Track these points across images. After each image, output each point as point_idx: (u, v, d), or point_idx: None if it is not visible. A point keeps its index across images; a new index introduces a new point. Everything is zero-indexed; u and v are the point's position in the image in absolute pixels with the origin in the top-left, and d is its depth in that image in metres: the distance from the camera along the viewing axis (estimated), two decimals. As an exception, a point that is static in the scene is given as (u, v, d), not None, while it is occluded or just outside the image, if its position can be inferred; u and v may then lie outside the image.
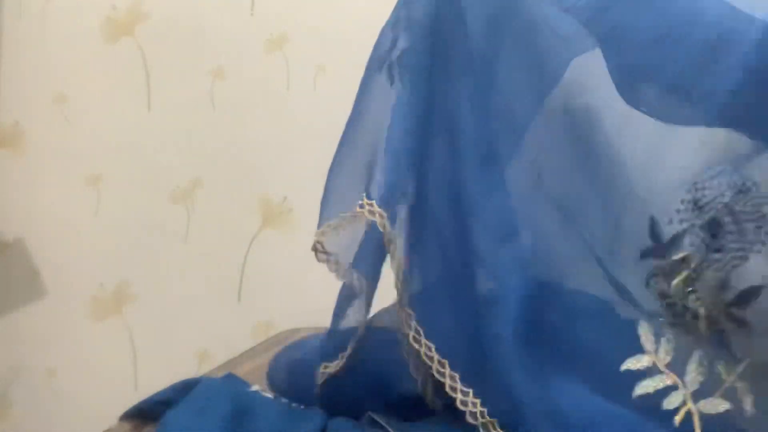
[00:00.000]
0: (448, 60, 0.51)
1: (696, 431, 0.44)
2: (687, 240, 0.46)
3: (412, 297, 0.49)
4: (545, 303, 0.49)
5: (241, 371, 0.67)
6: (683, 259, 0.46)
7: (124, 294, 1.12)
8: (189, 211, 1.10)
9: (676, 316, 0.46)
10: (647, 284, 0.47)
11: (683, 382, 0.45)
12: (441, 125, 0.51)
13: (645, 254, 0.47)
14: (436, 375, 0.47)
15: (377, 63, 0.54)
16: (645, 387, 0.45)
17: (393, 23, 0.54)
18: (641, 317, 0.47)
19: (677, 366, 0.46)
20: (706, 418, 0.44)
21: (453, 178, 0.50)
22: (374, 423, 0.52)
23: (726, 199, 0.45)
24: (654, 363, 0.46)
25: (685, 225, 0.46)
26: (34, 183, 1.13)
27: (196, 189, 1.10)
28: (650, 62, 0.47)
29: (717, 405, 0.44)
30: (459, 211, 0.49)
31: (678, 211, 0.46)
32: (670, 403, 0.45)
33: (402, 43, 0.52)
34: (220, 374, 0.63)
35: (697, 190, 0.46)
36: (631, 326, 0.47)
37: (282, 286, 1.08)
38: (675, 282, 0.46)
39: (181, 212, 1.10)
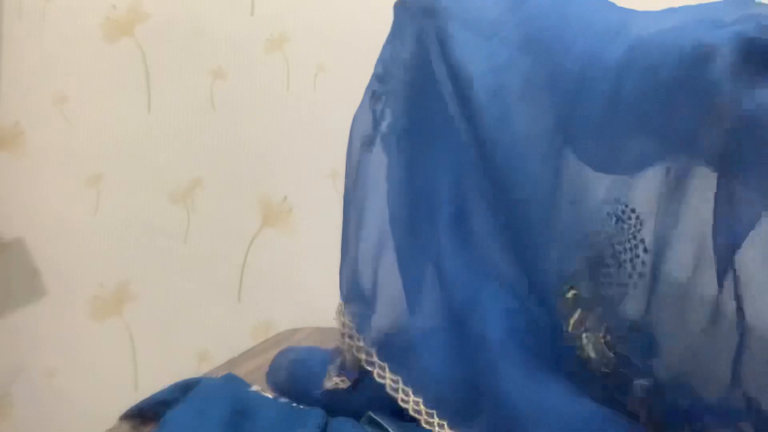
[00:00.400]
0: (430, 127, 0.52)
1: None
2: (578, 277, 0.46)
3: (395, 362, 0.50)
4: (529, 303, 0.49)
5: (241, 371, 0.67)
6: (574, 298, 0.46)
7: (124, 294, 1.12)
8: (189, 211, 1.10)
9: (574, 362, 0.45)
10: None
11: None
12: (425, 188, 0.52)
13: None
14: (425, 426, 0.48)
15: (368, 140, 0.54)
16: None
17: (371, 98, 0.55)
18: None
19: None
20: None
21: (432, 240, 0.51)
22: (374, 423, 0.52)
23: (608, 230, 0.45)
24: None
25: (579, 263, 0.46)
26: (34, 183, 1.13)
27: (196, 189, 1.10)
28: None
29: None
30: (439, 267, 0.50)
31: (573, 247, 0.46)
32: None
33: (388, 115, 0.53)
34: (220, 374, 0.63)
35: (584, 223, 0.46)
36: None
37: (282, 286, 1.08)
38: (571, 321, 0.46)
39: (181, 212, 1.10)
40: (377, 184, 0.54)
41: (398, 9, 0.54)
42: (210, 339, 1.09)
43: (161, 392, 0.60)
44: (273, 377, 0.65)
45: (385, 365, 0.50)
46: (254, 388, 0.60)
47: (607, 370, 0.44)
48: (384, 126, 0.54)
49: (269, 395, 0.60)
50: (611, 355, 0.44)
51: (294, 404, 0.57)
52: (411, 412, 0.48)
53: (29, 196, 1.13)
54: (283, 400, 0.59)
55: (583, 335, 0.45)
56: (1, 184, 1.12)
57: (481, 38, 0.50)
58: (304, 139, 1.05)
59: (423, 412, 0.48)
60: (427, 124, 0.52)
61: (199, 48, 1.08)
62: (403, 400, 0.49)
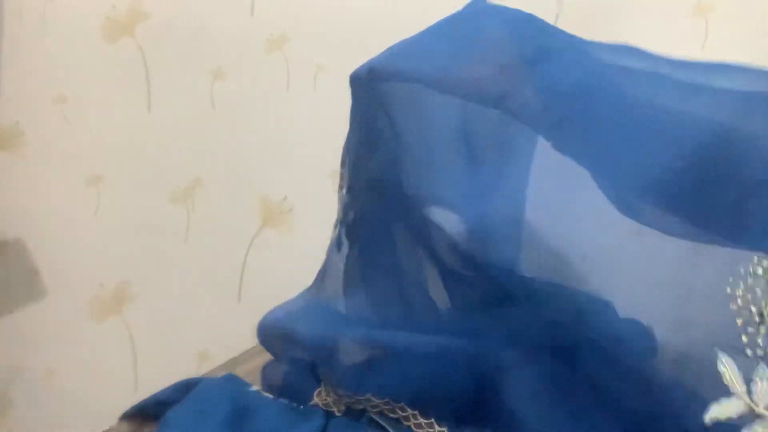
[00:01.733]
0: (388, 206, 0.50)
1: None
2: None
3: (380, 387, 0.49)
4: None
5: (241, 371, 0.67)
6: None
7: (124, 294, 1.12)
8: (189, 211, 1.10)
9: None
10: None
11: None
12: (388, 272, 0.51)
13: None
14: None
15: (336, 240, 0.55)
16: None
17: (339, 181, 0.53)
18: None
19: None
20: None
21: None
22: (374, 423, 0.52)
23: None
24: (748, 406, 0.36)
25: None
26: (34, 183, 1.13)
27: (196, 189, 1.10)
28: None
29: None
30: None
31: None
32: None
33: (349, 202, 0.53)
34: (220, 374, 0.63)
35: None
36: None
37: (282, 286, 1.08)
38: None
39: (181, 212, 1.10)
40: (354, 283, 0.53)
41: (353, 84, 0.50)
42: (210, 339, 1.09)
43: (161, 392, 0.60)
44: (266, 379, 0.65)
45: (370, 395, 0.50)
46: (254, 388, 0.60)
47: None
48: (350, 217, 0.53)
49: (269, 395, 0.60)
50: None
51: (294, 404, 0.57)
52: (414, 428, 0.48)
53: (29, 196, 1.13)
54: (283, 400, 0.59)
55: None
56: (1, 184, 1.12)
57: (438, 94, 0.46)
58: (304, 139, 1.05)
59: (423, 424, 0.48)
60: (384, 209, 0.50)
61: (199, 48, 1.08)
62: (403, 418, 0.49)
